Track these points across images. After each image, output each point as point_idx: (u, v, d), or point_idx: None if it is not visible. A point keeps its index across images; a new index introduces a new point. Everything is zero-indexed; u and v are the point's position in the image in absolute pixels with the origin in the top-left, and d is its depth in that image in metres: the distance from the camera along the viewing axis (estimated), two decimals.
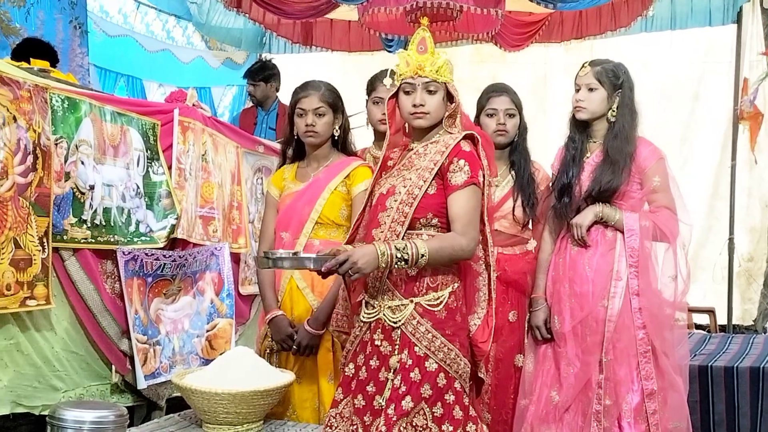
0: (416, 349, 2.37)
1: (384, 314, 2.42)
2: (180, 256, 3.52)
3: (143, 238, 3.33)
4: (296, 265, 2.56)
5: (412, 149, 2.54)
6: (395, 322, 2.39)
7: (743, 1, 6.00)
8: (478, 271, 2.51)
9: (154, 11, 6.34)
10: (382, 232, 2.43)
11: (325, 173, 2.97)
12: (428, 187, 2.42)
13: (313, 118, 2.92)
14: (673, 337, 2.94)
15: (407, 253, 2.30)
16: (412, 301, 2.40)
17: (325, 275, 2.42)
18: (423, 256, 2.32)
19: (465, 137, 2.47)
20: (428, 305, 2.39)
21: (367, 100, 3.33)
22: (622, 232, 2.93)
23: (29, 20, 4.82)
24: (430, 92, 2.46)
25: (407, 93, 2.48)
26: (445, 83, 2.48)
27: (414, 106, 2.46)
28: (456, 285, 2.45)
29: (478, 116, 3.24)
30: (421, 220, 2.42)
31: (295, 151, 3.08)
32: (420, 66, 2.45)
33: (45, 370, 2.89)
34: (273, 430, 2.72)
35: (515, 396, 3.13)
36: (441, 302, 2.40)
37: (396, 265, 2.32)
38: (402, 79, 2.49)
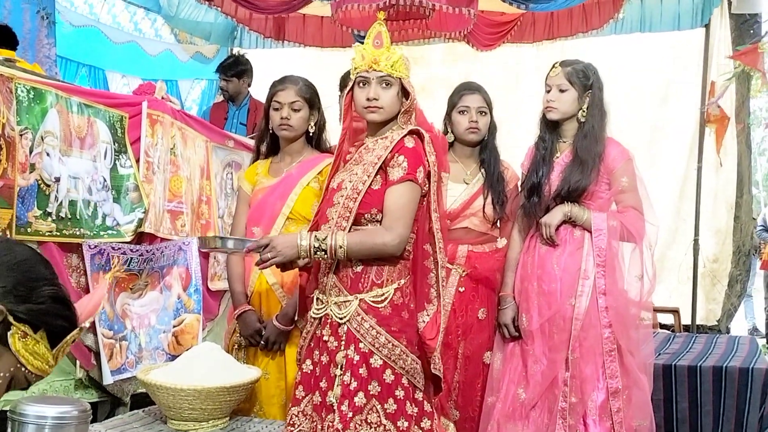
0: (361, 345, 2.37)
1: (331, 310, 2.43)
2: (147, 251, 3.48)
3: (110, 231, 3.29)
4: (221, 245, 2.57)
5: (365, 144, 2.54)
6: (341, 318, 2.40)
7: (712, 5, 6.08)
8: (428, 267, 2.50)
9: (122, 2, 6.26)
10: (329, 227, 2.43)
11: (297, 169, 2.96)
12: (372, 182, 2.41)
13: (289, 111, 2.91)
14: (638, 336, 2.98)
15: (326, 243, 2.33)
16: (356, 298, 2.39)
17: (284, 268, 2.51)
18: (341, 247, 2.33)
19: (410, 132, 2.45)
20: (372, 302, 2.39)
21: (339, 97, 3.33)
22: (590, 232, 2.96)
23: None
24: (384, 87, 2.45)
25: (362, 87, 2.47)
26: (400, 78, 2.46)
27: (368, 99, 2.45)
28: (402, 281, 2.43)
29: (449, 113, 3.25)
30: (366, 216, 2.41)
31: (269, 146, 3.06)
32: (375, 60, 2.44)
33: None
34: (239, 427, 2.70)
35: (483, 393, 3.14)
36: (386, 299, 2.39)
37: (316, 255, 2.36)
38: (357, 73, 2.48)
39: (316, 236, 2.34)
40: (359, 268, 2.41)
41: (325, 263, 2.46)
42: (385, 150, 2.42)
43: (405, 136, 2.44)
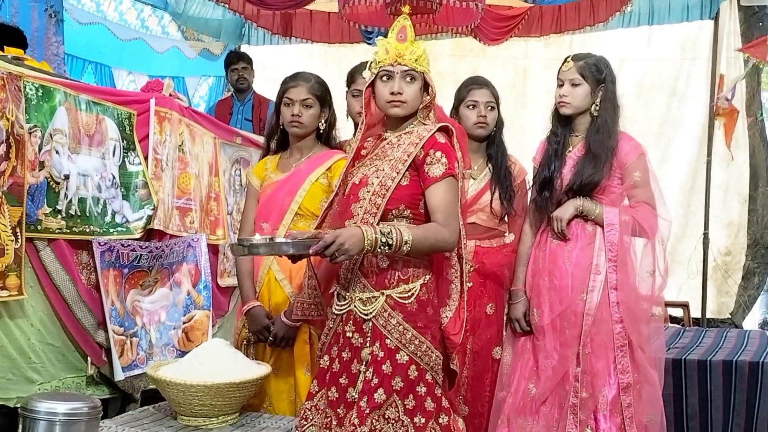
0: (387, 341, 2.36)
1: (355, 306, 2.41)
2: (157, 248, 3.49)
3: (119, 228, 3.30)
4: (273, 251, 2.44)
5: (386, 139, 2.52)
6: (366, 314, 2.38)
7: None
8: (450, 263, 2.50)
9: (129, 0, 6.28)
10: (354, 223, 2.41)
11: (306, 164, 2.96)
12: (401, 179, 2.39)
13: (300, 108, 2.91)
14: (649, 331, 2.96)
15: (392, 238, 2.28)
16: (383, 294, 2.38)
17: (296, 260, 2.39)
18: (407, 242, 2.29)
19: (440, 129, 2.44)
20: (399, 298, 2.37)
21: (346, 92, 3.32)
22: (602, 227, 2.94)
23: (4, 8, 4.75)
24: (408, 81, 2.43)
25: (385, 81, 2.45)
26: (423, 73, 2.45)
27: (392, 93, 2.43)
28: (428, 277, 2.43)
29: (456, 108, 3.24)
30: (393, 212, 2.40)
31: (279, 141, 3.07)
32: (399, 54, 2.43)
33: (20, 362, 2.86)
34: (248, 422, 2.71)
35: (492, 388, 3.14)
36: (412, 295, 2.38)
37: (379, 250, 2.29)
38: (380, 67, 2.46)
39: (381, 230, 2.29)
40: (385, 264, 2.39)
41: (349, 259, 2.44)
42: (415, 147, 2.40)
43: (436, 132, 2.42)
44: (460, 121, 3.19)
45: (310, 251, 2.29)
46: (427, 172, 2.39)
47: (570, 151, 3.05)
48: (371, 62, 2.52)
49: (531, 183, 3.20)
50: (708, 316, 6.14)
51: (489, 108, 3.20)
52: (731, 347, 3.86)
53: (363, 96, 2.56)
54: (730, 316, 6.18)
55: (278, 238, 2.44)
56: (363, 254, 2.36)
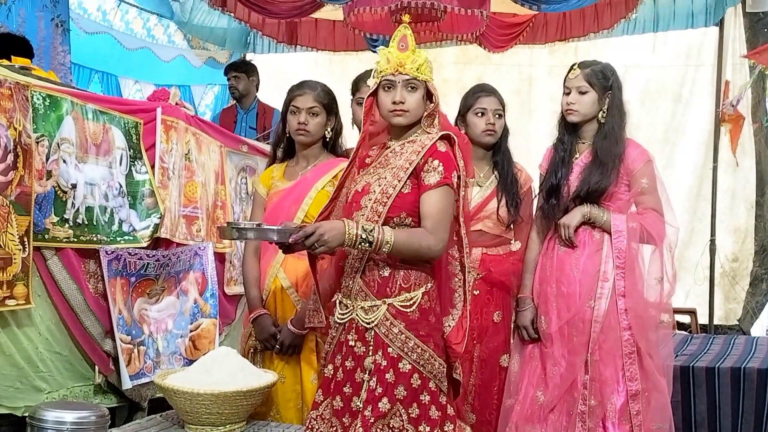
0: (390, 350, 2.35)
1: (357, 315, 2.41)
2: (163, 256, 3.49)
3: (126, 237, 3.31)
4: (260, 236, 2.51)
5: (390, 147, 2.52)
6: (368, 323, 2.38)
7: (728, 4, 6.04)
8: (453, 272, 2.49)
9: (135, 9, 6.31)
10: None
11: (312, 172, 2.97)
12: (402, 187, 2.40)
13: (306, 116, 2.93)
14: (657, 338, 2.96)
15: (372, 236, 2.30)
16: (384, 302, 2.38)
17: (287, 249, 2.43)
18: (387, 243, 2.30)
19: (441, 137, 2.45)
20: (401, 306, 2.37)
21: (351, 100, 3.33)
22: (610, 234, 2.94)
23: (10, 18, 4.77)
24: (410, 90, 2.43)
25: (387, 90, 2.45)
26: (425, 81, 2.45)
27: (394, 103, 2.43)
28: (429, 285, 2.43)
29: (464, 115, 3.24)
30: (395, 219, 2.40)
31: (286, 149, 3.08)
32: (401, 63, 2.43)
33: (28, 370, 2.86)
34: (256, 431, 2.71)
35: (499, 396, 3.13)
36: (414, 303, 2.38)
37: (359, 246, 2.31)
38: (382, 76, 2.46)
39: (363, 227, 2.31)
40: (387, 272, 2.40)
41: (351, 267, 2.45)
42: (417, 155, 2.41)
43: (437, 140, 2.43)
44: (468, 129, 3.19)
45: (290, 239, 2.33)
46: (423, 180, 2.39)
47: (577, 158, 3.05)
48: (374, 71, 2.52)
49: (538, 190, 3.20)
50: (715, 322, 6.11)
51: (497, 116, 3.20)
52: (739, 354, 3.85)
53: (365, 104, 2.56)
54: (737, 323, 6.16)
55: (266, 225, 2.51)
56: (353, 269, 2.41)
